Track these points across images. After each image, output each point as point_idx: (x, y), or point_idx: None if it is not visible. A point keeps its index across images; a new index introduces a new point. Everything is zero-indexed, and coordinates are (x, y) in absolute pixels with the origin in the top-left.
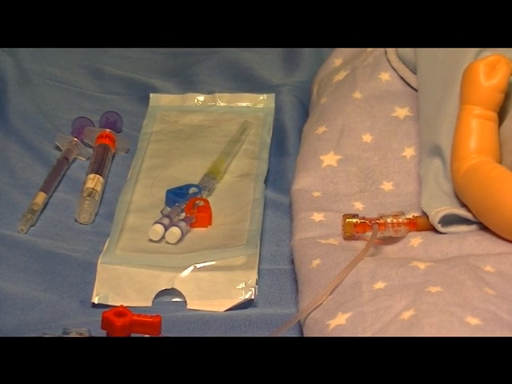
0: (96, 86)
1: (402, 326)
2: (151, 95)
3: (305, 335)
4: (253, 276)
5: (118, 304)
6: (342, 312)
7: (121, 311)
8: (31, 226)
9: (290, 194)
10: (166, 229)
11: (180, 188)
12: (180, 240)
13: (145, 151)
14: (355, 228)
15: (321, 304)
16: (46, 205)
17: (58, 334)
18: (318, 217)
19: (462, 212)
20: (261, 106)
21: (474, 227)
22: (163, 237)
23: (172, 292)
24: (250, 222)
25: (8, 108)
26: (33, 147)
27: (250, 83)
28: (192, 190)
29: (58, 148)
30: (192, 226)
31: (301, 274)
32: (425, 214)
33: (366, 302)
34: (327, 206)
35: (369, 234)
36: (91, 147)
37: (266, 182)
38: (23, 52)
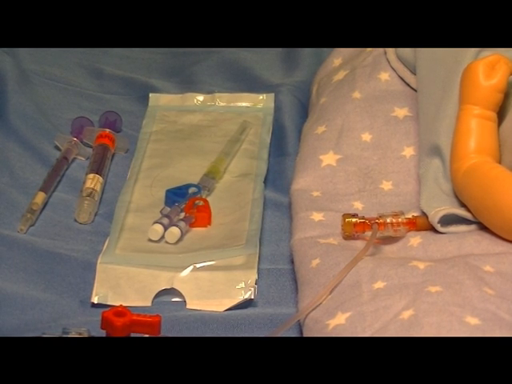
0: (95, 85)
1: (402, 325)
2: (151, 95)
3: (304, 335)
4: (252, 276)
5: (117, 304)
6: (341, 312)
7: (120, 311)
8: (31, 225)
9: (290, 193)
10: (166, 228)
11: (179, 188)
12: (179, 240)
13: (144, 151)
14: (355, 227)
15: (320, 304)
16: (45, 205)
17: (57, 333)
18: (317, 216)
19: (462, 212)
20: (260, 105)
21: (473, 227)
22: (163, 237)
23: (171, 292)
24: (249, 222)
25: (8, 108)
26: (32, 147)
27: (250, 83)
28: (191, 190)
29: (57, 148)
30: (191, 225)
31: (300, 274)
32: (424, 214)
33: (366, 302)
34: (326, 206)
35: (368, 233)
36: (91, 147)
37: (265, 181)
38: (23, 52)
